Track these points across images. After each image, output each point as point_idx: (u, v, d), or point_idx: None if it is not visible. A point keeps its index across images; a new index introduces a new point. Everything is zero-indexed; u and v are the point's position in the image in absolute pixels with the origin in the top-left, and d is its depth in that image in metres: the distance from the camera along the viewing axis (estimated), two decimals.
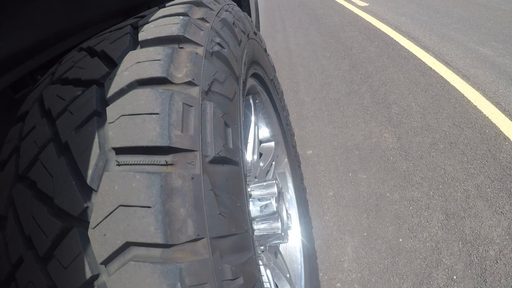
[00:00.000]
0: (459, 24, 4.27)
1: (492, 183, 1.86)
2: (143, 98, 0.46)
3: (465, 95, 2.68)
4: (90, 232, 0.39)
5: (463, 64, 3.18)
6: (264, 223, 0.91)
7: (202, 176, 0.43)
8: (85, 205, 0.40)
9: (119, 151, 0.43)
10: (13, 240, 0.44)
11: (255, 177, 1.10)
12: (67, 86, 0.53)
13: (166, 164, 0.42)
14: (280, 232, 0.90)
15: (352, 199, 1.98)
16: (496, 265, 1.48)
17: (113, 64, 0.53)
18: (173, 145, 0.43)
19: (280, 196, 0.98)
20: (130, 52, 0.54)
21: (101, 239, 0.38)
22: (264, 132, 1.36)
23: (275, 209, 0.90)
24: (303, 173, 1.70)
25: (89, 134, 0.44)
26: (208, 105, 0.50)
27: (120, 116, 0.44)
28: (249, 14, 1.86)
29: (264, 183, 0.97)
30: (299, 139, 2.54)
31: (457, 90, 2.77)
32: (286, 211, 1.05)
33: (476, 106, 2.52)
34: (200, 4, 0.71)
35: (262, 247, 0.99)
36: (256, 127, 1.18)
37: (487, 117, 2.37)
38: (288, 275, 1.19)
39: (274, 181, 0.96)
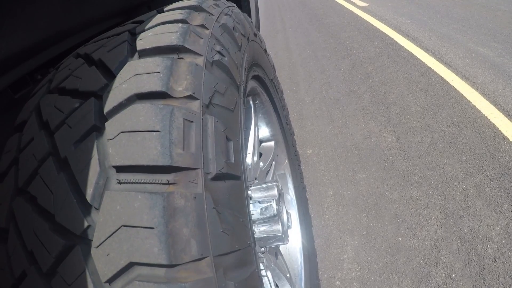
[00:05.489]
0: (459, 24, 4.28)
1: (491, 183, 1.87)
2: (143, 114, 0.45)
3: (464, 95, 2.69)
4: (93, 251, 0.39)
5: (462, 64, 3.19)
6: (264, 226, 0.91)
7: (204, 195, 0.43)
8: (87, 224, 0.40)
9: (120, 169, 0.42)
10: (15, 254, 0.44)
11: (255, 178, 1.10)
12: (65, 96, 0.53)
13: (168, 183, 0.41)
14: (280, 234, 0.90)
15: (351, 198, 1.99)
16: (495, 264, 1.49)
17: (111, 75, 0.52)
18: (175, 164, 0.42)
19: (280, 198, 0.97)
20: (129, 62, 0.53)
21: (105, 259, 0.38)
22: (264, 131, 1.37)
23: (275, 212, 0.89)
24: (303, 172, 1.71)
25: (88, 150, 0.44)
26: (209, 119, 0.50)
27: (120, 133, 0.44)
28: (249, 15, 1.87)
29: (265, 185, 0.96)
30: (299, 138, 2.55)
31: (456, 90, 2.78)
32: (286, 211, 1.05)
33: (475, 106, 2.52)
34: (199, 9, 0.69)
35: (262, 249, 0.99)
36: (256, 128, 1.17)
37: (486, 117, 2.38)
38: (288, 275, 1.19)
39: (275, 183, 0.95)
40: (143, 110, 0.45)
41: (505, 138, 2.16)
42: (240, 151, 0.58)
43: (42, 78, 0.71)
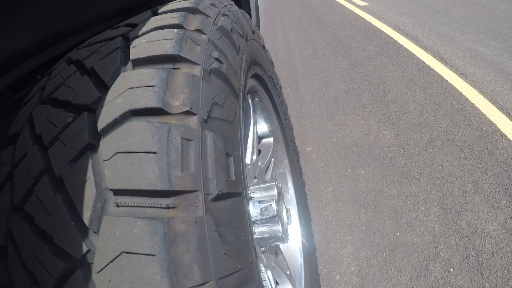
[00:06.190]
0: (458, 23, 4.30)
1: (489, 179, 1.89)
2: (139, 133, 0.43)
3: (463, 93, 2.70)
4: (94, 277, 0.39)
5: (461, 63, 3.20)
6: (264, 226, 0.90)
7: (205, 218, 0.42)
8: (87, 248, 0.39)
9: (117, 192, 0.41)
10: (16, 273, 0.44)
11: (255, 177, 1.09)
12: (58, 109, 0.52)
13: (168, 208, 0.40)
14: (280, 234, 0.90)
15: (351, 194, 2.00)
16: (493, 259, 1.50)
17: (104, 87, 0.50)
18: (174, 188, 0.41)
19: (280, 197, 0.97)
20: (122, 74, 0.51)
21: (107, 285, 0.38)
22: (263, 127, 1.37)
23: (275, 213, 0.89)
24: (302, 169, 1.72)
25: (84, 170, 0.43)
26: (208, 136, 0.48)
27: (116, 154, 0.43)
28: (249, 14, 1.87)
29: (264, 185, 0.96)
30: (298, 136, 2.57)
31: (455, 88, 2.80)
32: (286, 207, 1.04)
33: (473, 104, 2.54)
34: (195, 11, 0.67)
35: (262, 248, 0.99)
36: (255, 126, 1.16)
37: (485, 114, 2.40)
38: (288, 272, 1.19)
39: (274, 183, 0.95)
40: (138, 128, 0.44)
41: (503, 135, 2.18)
42: (241, 165, 0.56)
43: (42, 78, 0.71)
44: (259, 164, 1.17)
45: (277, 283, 1.11)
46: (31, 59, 0.70)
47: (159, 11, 0.67)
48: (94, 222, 0.40)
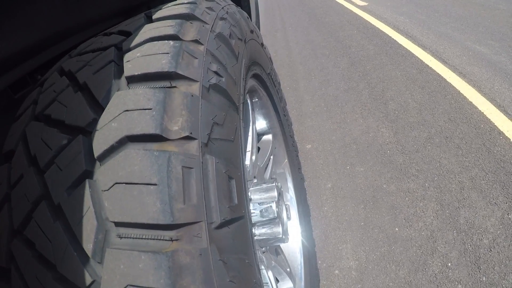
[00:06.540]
0: (457, 23, 4.32)
1: (486, 176, 1.91)
2: (137, 162, 0.42)
3: (461, 91, 2.72)
4: None
5: (459, 62, 3.22)
6: (265, 228, 0.91)
7: (209, 248, 0.42)
8: (91, 279, 0.39)
9: (119, 224, 0.41)
10: None
11: (254, 177, 1.09)
12: (52, 128, 0.50)
13: (171, 240, 0.40)
14: (281, 236, 0.90)
15: (349, 191, 2.02)
16: (490, 253, 1.52)
17: (98, 106, 0.49)
18: (177, 221, 0.40)
19: (280, 197, 0.96)
20: (117, 93, 0.49)
21: None
22: (261, 124, 1.36)
23: (275, 215, 0.88)
24: (302, 166, 1.74)
25: (82, 199, 0.42)
26: (209, 161, 0.46)
27: (114, 184, 0.42)
28: (249, 14, 1.87)
29: (264, 186, 0.95)
30: (298, 134, 2.59)
31: (453, 87, 2.82)
32: (285, 206, 1.04)
33: (471, 102, 2.56)
34: (191, 18, 0.63)
35: (263, 249, 0.99)
36: (254, 126, 1.15)
37: (482, 112, 2.42)
38: (288, 269, 1.20)
39: (274, 184, 0.95)
40: (137, 157, 0.42)
41: (500, 133, 2.20)
42: (243, 186, 0.54)
43: (40, 78, 0.69)
44: (258, 163, 1.17)
45: (277, 281, 1.13)
46: (31, 59, 0.70)
47: (154, 17, 0.64)
48: (97, 253, 0.40)
